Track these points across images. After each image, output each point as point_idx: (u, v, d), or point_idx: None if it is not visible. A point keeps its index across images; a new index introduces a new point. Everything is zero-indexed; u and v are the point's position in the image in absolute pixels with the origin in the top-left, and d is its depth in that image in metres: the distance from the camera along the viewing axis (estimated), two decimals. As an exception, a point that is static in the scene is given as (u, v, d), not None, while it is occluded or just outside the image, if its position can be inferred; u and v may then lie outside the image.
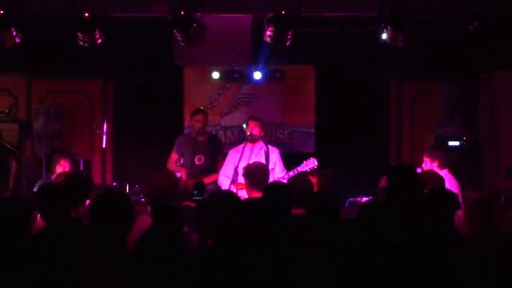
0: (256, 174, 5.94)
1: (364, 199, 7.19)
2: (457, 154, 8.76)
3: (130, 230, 4.02)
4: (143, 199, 6.59)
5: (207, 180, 7.50)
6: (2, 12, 7.54)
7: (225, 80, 9.76)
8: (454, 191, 5.11)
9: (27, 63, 9.07)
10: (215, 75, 9.69)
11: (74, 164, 6.99)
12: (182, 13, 7.59)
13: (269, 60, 9.03)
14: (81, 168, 8.54)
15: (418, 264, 3.97)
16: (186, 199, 5.98)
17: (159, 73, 9.35)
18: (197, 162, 7.68)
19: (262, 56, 8.77)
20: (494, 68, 9.24)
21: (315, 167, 7.06)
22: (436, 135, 9.25)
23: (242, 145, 7.36)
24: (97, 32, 7.76)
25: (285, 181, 6.94)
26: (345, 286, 3.84)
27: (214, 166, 7.72)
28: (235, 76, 9.71)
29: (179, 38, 7.87)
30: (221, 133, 9.83)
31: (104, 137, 8.19)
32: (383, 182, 5.56)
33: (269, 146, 7.48)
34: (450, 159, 7.22)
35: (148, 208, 5.03)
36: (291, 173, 7.11)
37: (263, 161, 7.15)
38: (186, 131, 9.01)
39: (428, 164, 6.95)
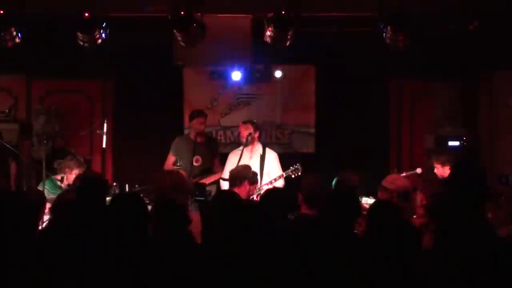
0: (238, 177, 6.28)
1: (364, 199, 7.17)
2: (457, 154, 8.75)
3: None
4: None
5: (207, 181, 7.53)
6: (2, 12, 7.54)
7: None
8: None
9: (27, 63, 9.08)
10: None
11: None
12: (182, 13, 7.60)
13: (269, 60, 9.03)
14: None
15: None
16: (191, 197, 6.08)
17: (159, 73, 9.35)
18: (195, 163, 7.69)
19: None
20: (494, 68, 9.24)
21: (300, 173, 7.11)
22: (436, 135, 9.25)
23: (241, 148, 7.41)
24: (97, 32, 7.76)
25: (270, 186, 6.95)
26: None
27: (211, 167, 7.77)
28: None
29: (179, 38, 7.87)
30: (221, 133, 9.83)
31: (104, 137, 8.18)
32: (385, 183, 5.58)
33: (267, 149, 7.52)
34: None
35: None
36: (273, 180, 7.17)
37: (258, 164, 7.20)
38: (186, 131, 9.01)
39: (440, 170, 7.01)
